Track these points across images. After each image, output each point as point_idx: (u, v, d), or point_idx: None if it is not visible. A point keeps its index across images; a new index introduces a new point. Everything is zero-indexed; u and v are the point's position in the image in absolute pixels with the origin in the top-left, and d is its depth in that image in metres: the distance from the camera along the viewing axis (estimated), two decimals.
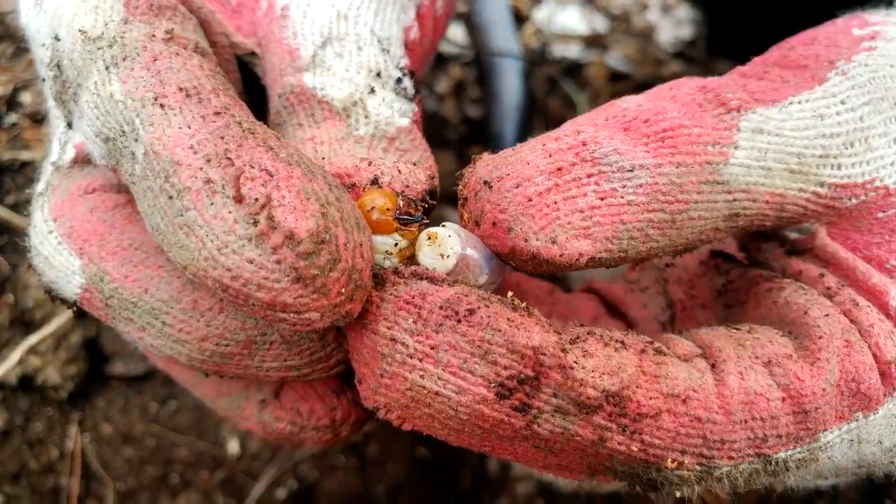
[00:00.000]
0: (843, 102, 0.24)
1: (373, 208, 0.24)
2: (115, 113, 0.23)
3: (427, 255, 0.24)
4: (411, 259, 0.25)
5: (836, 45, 0.25)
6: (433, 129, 0.92)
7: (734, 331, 0.24)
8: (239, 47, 0.29)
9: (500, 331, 0.20)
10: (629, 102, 0.24)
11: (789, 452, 0.22)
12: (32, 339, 0.53)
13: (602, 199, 0.22)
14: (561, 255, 0.22)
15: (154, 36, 0.24)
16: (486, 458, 0.68)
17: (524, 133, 0.90)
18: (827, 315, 0.24)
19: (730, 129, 0.23)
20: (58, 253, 0.28)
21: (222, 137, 0.21)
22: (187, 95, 0.22)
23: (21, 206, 0.67)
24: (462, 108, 0.96)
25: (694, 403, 0.21)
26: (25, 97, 0.72)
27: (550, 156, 0.22)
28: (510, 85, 0.93)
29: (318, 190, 0.21)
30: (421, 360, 0.21)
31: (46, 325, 0.59)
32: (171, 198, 0.21)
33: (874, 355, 0.24)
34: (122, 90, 0.23)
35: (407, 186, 0.25)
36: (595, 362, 0.21)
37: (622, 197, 0.22)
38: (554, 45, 1.06)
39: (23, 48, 0.77)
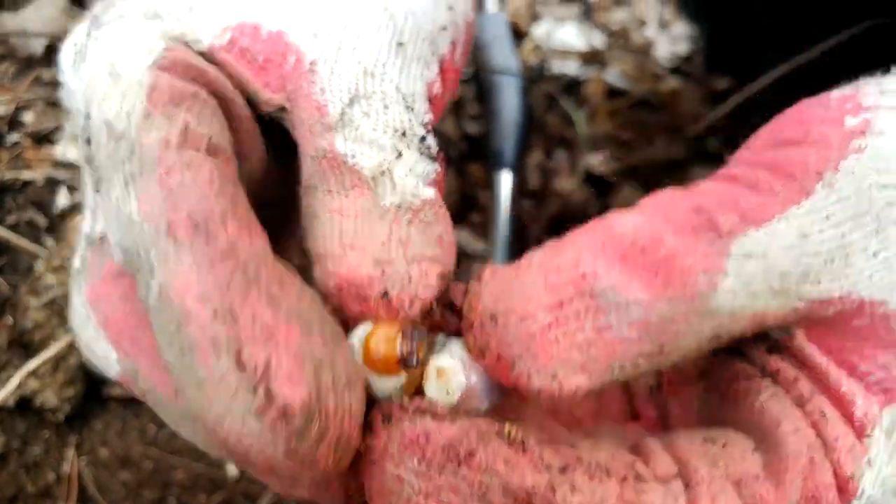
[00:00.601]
0: (827, 218, 0.25)
1: (376, 358, 0.25)
2: (133, 234, 0.24)
3: (434, 389, 0.25)
4: (417, 388, 0.26)
5: (827, 147, 0.25)
6: None
7: (710, 445, 0.25)
8: (268, 103, 0.29)
9: (496, 473, 0.23)
10: (626, 225, 0.25)
11: None
12: (32, 363, 0.53)
13: (598, 333, 0.23)
14: (560, 391, 0.23)
15: (169, 142, 0.24)
16: None
17: (523, 150, 0.90)
18: (797, 430, 0.25)
19: (720, 255, 0.24)
20: (96, 341, 0.28)
21: (228, 288, 0.22)
22: (196, 228, 0.23)
23: (21, 227, 0.67)
24: (461, 125, 0.97)
25: None
26: (27, 117, 0.72)
27: (552, 290, 0.23)
28: (509, 102, 0.94)
29: (314, 348, 0.22)
30: (426, 499, 0.23)
31: (45, 347, 0.59)
32: (182, 350, 0.22)
33: (834, 471, 0.25)
34: (139, 211, 0.24)
35: (416, 297, 0.26)
36: (580, 498, 0.23)
37: (617, 332, 0.23)
38: (552, 61, 1.07)
39: (24, 68, 0.77)
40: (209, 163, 0.25)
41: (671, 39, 1.16)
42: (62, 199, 0.68)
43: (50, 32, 0.76)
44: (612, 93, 1.00)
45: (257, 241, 0.24)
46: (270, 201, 0.31)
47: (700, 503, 0.24)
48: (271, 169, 0.31)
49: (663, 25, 1.19)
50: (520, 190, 0.89)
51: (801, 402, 0.26)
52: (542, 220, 0.84)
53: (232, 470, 0.64)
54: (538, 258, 0.25)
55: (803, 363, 0.27)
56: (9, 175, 0.67)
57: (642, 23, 1.19)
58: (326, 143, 0.27)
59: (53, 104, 0.74)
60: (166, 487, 0.63)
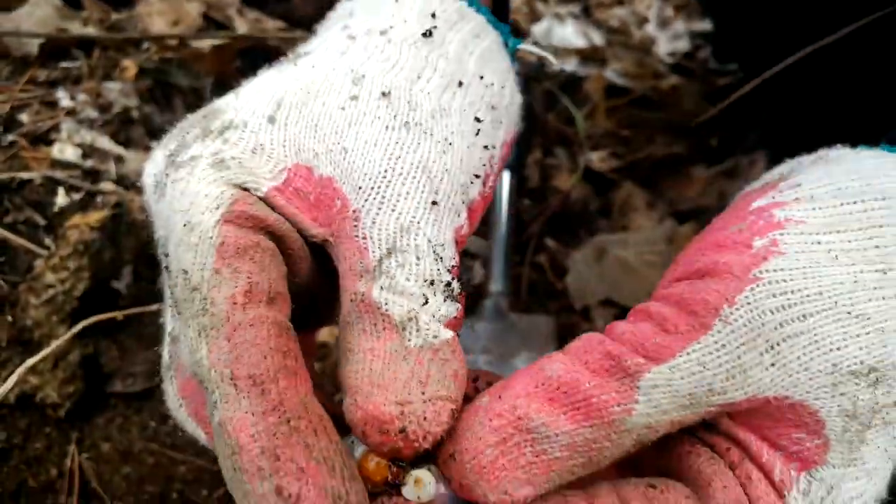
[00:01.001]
0: (723, 347, 0.30)
1: (367, 475, 0.31)
2: (201, 373, 0.30)
3: (410, 492, 0.31)
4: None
5: (728, 280, 0.31)
6: None
7: (651, 490, 0.31)
8: (316, 236, 0.34)
9: None
10: (554, 369, 0.31)
11: None
12: (32, 360, 0.53)
13: (536, 456, 0.30)
14: (512, 501, 0.30)
15: (235, 302, 0.30)
16: None
17: (523, 148, 0.90)
18: (725, 487, 0.32)
19: (630, 390, 0.30)
20: (187, 423, 0.35)
21: (274, 434, 0.28)
22: (254, 384, 0.29)
23: (20, 226, 0.67)
24: None
25: None
26: (23, 116, 0.72)
27: (496, 431, 0.30)
28: None
29: (336, 485, 0.28)
30: None
31: (45, 344, 0.59)
32: (234, 468, 0.28)
33: None
34: (208, 359, 0.29)
35: (428, 433, 0.31)
36: None
37: (551, 455, 0.30)
38: (552, 59, 1.07)
39: (19, 67, 0.77)
40: (269, 318, 0.30)
41: (671, 37, 1.16)
42: (60, 199, 0.68)
43: (44, 32, 0.76)
44: (613, 90, 1.00)
45: (302, 389, 0.30)
46: (312, 289, 0.37)
47: None
48: (314, 269, 0.37)
49: (664, 23, 1.19)
50: (519, 188, 0.89)
51: (733, 467, 0.32)
52: (542, 217, 0.84)
53: None
54: (485, 404, 0.31)
55: (732, 438, 0.33)
56: (6, 175, 0.67)
57: (643, 20, 1.19)
58: (365, 289, 0.32)
59: (49, 104, 0.74)
60: (168, 482, 0.63)
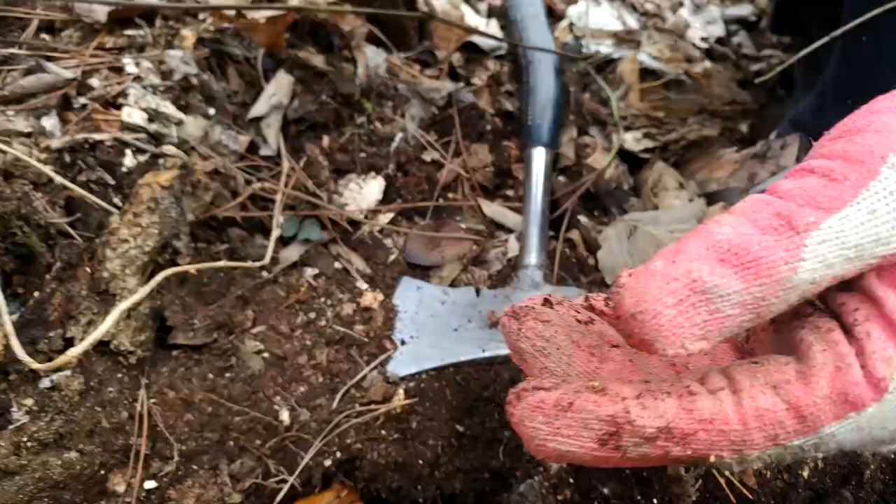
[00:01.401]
0: (891, 193, 0.32)
1: None
2: None
3: None
4: None
5: (890, 133, 0.33)
6: (470, 121, 0.95)
7: (754, 365, 0.34)
8: None
9: (589, 411, 0.33)
10: (724, 232, 0.33)
11: (800, 441, 0.33)
12: (124, 304, 0.57)
13: (711, 314, 0.32)
14: (687, 353, 0.33)
15: None
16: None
17: (559, 126, 0.93)
18: (824, 350, 0.33)
19: (798, 248, 0.31)
20: None
21: None
22: None
23: (90, 184, 0.71)
24: (498, 101, 1.00)
25: (717, 422, 0.32)
26: (93, 81, 0.76)
27: (673, 293, 0.32)
28: (545, 79, 0.96)
29: None
30: (553, 436, 0.34)
31: (120, 295, 0.63)
32: None
33: (867, 374, 0.32)
34: None
35: None
36: (648, 412, 0.32)
37: (724, 313, 0.32)
38: (587, 41, 1.09)
39: (88, 34, 0.81)
40: None
41: (705, 21, 1.18)
42: (128, 160, 0.72)
43: (112, 0, 0.79)
44: (646, 73, 1.02)
45: None
46: None
47: (743, 402, 0.32)
48: None
49: (697, 7, 1.21)
50: (554, 165, 0.93)
51: (853, 326, 0.34)
52: (576, 195, 0.88)
53: (285, 418, 0.69)
54: (661, 268, 0.33)
55: (868, 297, 0.34)
56: (80, 136, 0.71)
57: (677, 5, 1.20)
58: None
59: (117, 69, 0.78)
60: (226, 430, 0.68)
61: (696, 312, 0.32)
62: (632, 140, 0.93)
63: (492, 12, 1.12)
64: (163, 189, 0.64)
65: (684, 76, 1.02)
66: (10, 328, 0.57)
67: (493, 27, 1.08)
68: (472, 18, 1.08)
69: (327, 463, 0.70)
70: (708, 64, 1.08)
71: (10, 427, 0.63)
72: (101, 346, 0.64)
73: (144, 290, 0.58)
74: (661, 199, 0.84)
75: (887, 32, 0.74)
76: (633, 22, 1.14)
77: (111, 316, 0.56)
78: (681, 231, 0.77)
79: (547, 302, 0.40)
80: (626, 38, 1.08)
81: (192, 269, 0.64)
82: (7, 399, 0.63)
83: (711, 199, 0.85)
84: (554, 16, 1.14)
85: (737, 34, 1.16)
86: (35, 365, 0.58)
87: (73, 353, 0.57)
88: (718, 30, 1.16)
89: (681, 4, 1.20)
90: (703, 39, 1.13)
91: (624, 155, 0.94)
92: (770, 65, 1.06)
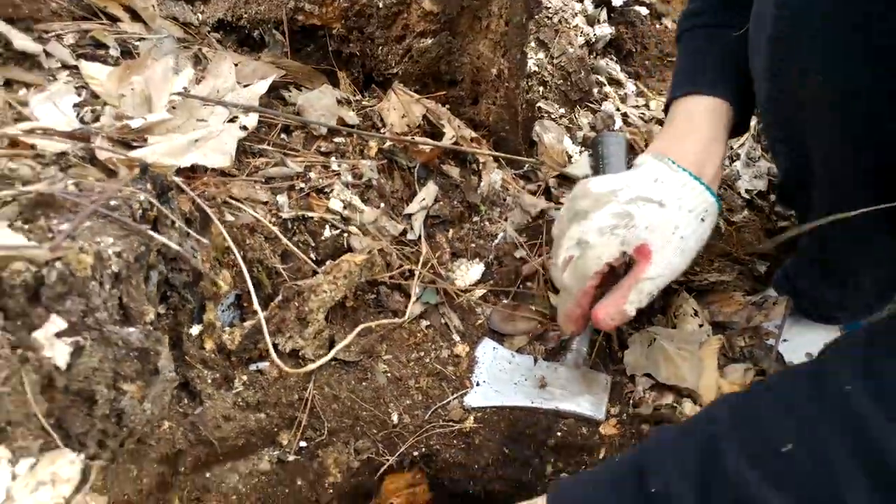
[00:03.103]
0: None
1: None
2: None
3: None
4: None
5: None
6: None
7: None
8: None
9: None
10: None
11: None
12: (351, 335, 0.95)
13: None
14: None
15: None
16: (557, 458, 1.06)
17: None
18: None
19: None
20: None
21: None
22: None
23: (299, 245, 1.10)
24: None
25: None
26: (311, 174, 1.15)
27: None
28: None
29: None
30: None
31: (311, 323, 1.01)
32: None
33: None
34: None
35: None
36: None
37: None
38: None
39: (310, 139, 1.20)
40: None
41: (753, 175, 1.48)
42: (326, 232, 1.11)
43: (330, 125, 1.18)
44: None
45: None
46: None
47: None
48: None
49: (750, 160, 1.51)
50: None
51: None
52: None
53: (394, 418, 1.06)
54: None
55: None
56: (299, 212, 1.10)
57: (735, 156, 1.51)
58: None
59: (326, 167, 1.17)
60: (356, 420, 1.05)
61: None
62: None
63: (584, 142, 1.46)
64: (356, 265, 1.01)
65: (723, 222, 1.33)
66: (268, 338, 0.95)
67: (585, 158, 1.42)
68: (570, 147, 1.42)
69: (415, 454, 1.06)
70: (746, 213, 1.39)
71: (232, 391, 1.02)
72: (293, 353, 1.02)
73: (350, 337, 0.96)
74: (679, 321, 1.16)
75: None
76: None
77: (345, 340, 0.93)
78: (685, 350, 1.09)
79: None
80: None
81: (373, 325, 1.02)
82: (232, 374, 1.02)
83: (716, 327, 1.16)
84: (634, 152, 1.47)
85: (774, 191, 1.45)
86: (285, 368, 0.97)
87: (321, 362, 0.96)
88: (762, 185, 1.45)
89: (738, 156, 1.51)
90: (748, 191, 1.44)
91: None
92: (791, 223, 1.35)
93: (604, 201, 0.86)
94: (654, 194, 0.85)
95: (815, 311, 1.11)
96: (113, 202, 0.80)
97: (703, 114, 0.93)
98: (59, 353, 0.67)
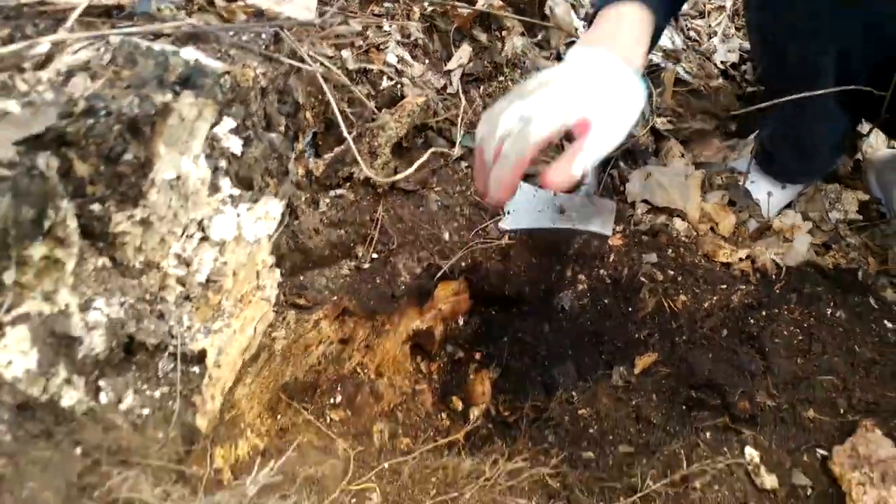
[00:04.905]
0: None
1: None
2: None
3: None
4: None
5: None
6: None
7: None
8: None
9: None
10: None
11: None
12: (418, 163, 1.17)
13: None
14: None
15: None
16: (574, 264, 1.34)
17: None
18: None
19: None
20: None
21: None
22: None
23: (361, 91, 1.30)
24: None
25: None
26: (369, 32, 1.33)
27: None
28: None
29: None
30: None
31: (380, 156, 1.23)
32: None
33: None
34: None
35: None
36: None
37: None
38: None
39: (364, 2, 1.37)
40: None
41: (727, 49, 1.73)
42: (384, 83, 1.31)
43: None
44: (679, 81, 1.59)
45: None
46: None
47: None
48: None
49: (725, 37, 1.76)
50: None
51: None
52: (620, 150, 1.46)
53: (446, 237, 1.31)
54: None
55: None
56: (361, 65, 1.29)
57: (712, 33, 1.75)
58: None
59: (379, 27, 1.35)
60: (416, 237, 1.30)
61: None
62: (660, 122, 1.50)
63: (585, 18, 1.67)
64: (417, 105, 1.23)
65: (703, 88, 1.59)
66: (358, 157, 1.17)
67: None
68: (576, 21, 1.64)
69: (462, 264, 1.32)
70: (721, 81, 1.64)
71: (318, 211, 1.24)
72: (366, 181, 1.25)
73: (416, 166, 1.18)
74: (669, 160, 1.43)
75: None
76: (679, 42, 1.69)
77: (416, 164, 1.16)
78: (674, 180, 1.37)
79: None
80: (671, 55, 1.64)
81: (432, 151, 1.24)
82: (317, 197, 1.24)
83: (698, 166, 1.44)
84: None
85: (745, 63, 1.71)
86: (378, 178, 1.19)
87: (405, 174, 1.18)
88: (735, 57, 1.71)
89: (715, 34, 1.75)
90: (722, 62, 1.69)
91: (654, 131, 1.52)
92: (759, 90, 1.62)
93: (548, 83, 0.98)
94: (592, 77, 0.98)
95: (783, 177, 1.39)
96: (244, 37, 0.99)
97: (632, 18, 1.06)
98: (233, 143, 0.88)
